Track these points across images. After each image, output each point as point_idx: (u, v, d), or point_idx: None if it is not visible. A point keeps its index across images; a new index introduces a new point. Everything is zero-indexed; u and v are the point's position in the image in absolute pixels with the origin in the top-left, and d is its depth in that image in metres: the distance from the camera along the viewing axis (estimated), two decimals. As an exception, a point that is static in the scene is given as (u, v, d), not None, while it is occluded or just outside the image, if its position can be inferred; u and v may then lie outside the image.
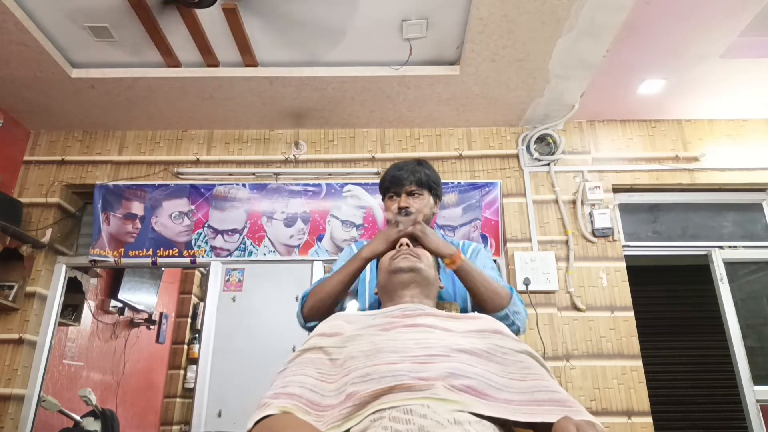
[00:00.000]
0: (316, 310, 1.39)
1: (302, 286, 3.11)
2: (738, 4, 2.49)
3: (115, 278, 4.33)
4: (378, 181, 3.55)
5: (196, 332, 5.48)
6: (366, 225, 3.21)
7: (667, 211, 3.40)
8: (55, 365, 3.61)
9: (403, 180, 1.53)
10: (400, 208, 1.49)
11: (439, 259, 1.40)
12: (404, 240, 1.33)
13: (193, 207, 3.25)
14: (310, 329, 1.38)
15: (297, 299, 3.03)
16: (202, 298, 4.67)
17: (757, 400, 2.92)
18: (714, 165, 3.33)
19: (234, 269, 3.21)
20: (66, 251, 3.31)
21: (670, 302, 4.81)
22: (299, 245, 3.18)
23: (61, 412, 3.03)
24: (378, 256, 1.37)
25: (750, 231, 3.35)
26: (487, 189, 3.26)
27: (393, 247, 1.34)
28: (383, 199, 1.63)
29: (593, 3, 2.40)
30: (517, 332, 1.34)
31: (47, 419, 3.31)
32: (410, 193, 1.53)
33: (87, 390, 3.04)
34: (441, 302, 1.32)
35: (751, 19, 2.58)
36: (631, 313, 3.01)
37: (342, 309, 1.43)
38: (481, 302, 1.34)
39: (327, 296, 1.38)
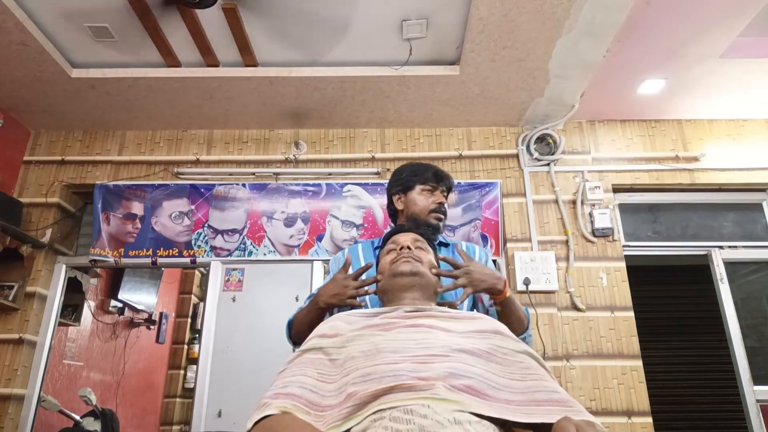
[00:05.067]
0: (298, 338, 1.43)
1: (302, 286, 3.12)
2: (738, 4, 2.49)
3: (115, 278, 4.33)
4: (378, 180, 3.53)
5: (196, 332, 5.48)
6: (366, 225, 3.21)
7: (667, 211, 3.39)
8: (55, 365, 3.61)
9: (446, 179, 1.58)
10: (439, 203, 1.54)
11: (438, 256, 1.39)
12: (406, 243, 1.31)
13: (193, 207, 3.25)
14: None
15: (297, 299, 3.06)
16: (202, 298, 4.67)
17: (757, 400, 2.92)
18: (714, 165, 3.33)
19: (234, 269, 3.21)
20: (66, 251, 3.31)
21: (670, 302, 4.81)
22: (299, 245, 3.18)
23: (61, 412, 3.03)
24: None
25: (750, 231, 3.35)
26: (487, 189, 3.26)
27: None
28: (410, 189, 1.57)
29: (593, 3, 2.40)
30: None
31: (47, 419, 3.31)
32: (442, 192, 1.58)
33: (87, 390, 3.04)
34: (441, 303, 1.31)
35: (751, 19, 2.58)
36: (631, 313, 3.01)
37: None
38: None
39: (302, 332, 1.38)
